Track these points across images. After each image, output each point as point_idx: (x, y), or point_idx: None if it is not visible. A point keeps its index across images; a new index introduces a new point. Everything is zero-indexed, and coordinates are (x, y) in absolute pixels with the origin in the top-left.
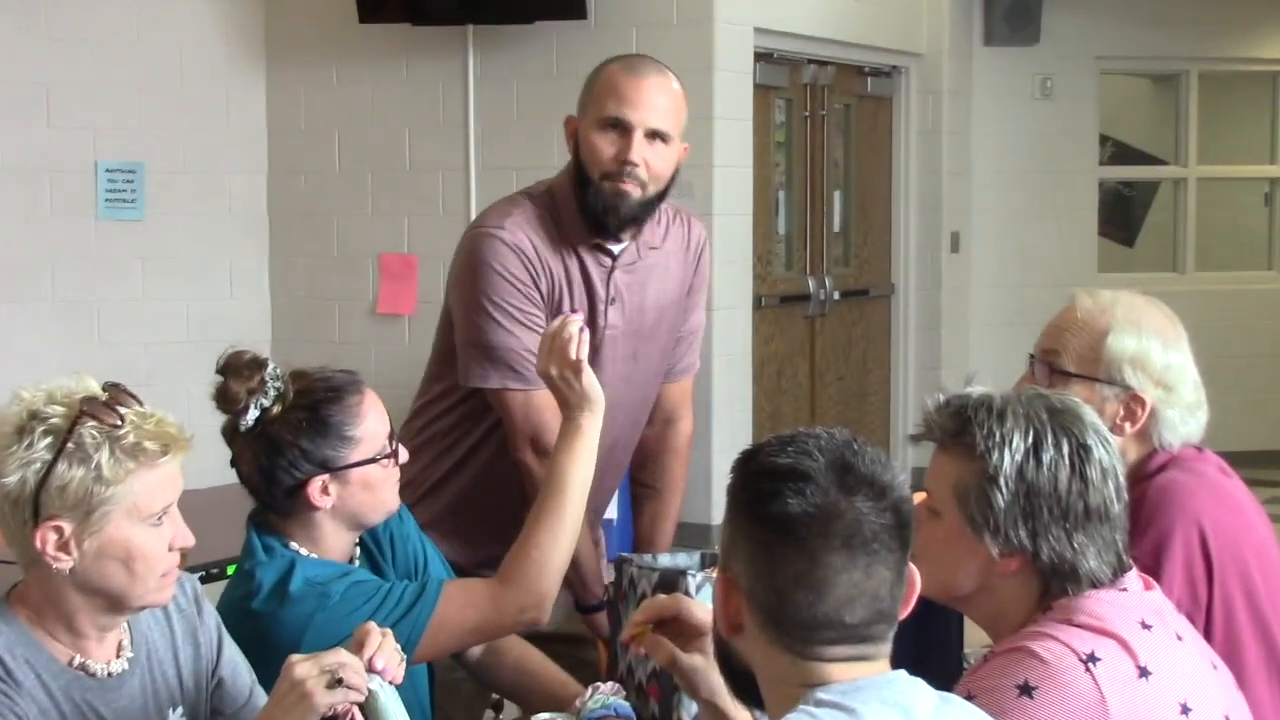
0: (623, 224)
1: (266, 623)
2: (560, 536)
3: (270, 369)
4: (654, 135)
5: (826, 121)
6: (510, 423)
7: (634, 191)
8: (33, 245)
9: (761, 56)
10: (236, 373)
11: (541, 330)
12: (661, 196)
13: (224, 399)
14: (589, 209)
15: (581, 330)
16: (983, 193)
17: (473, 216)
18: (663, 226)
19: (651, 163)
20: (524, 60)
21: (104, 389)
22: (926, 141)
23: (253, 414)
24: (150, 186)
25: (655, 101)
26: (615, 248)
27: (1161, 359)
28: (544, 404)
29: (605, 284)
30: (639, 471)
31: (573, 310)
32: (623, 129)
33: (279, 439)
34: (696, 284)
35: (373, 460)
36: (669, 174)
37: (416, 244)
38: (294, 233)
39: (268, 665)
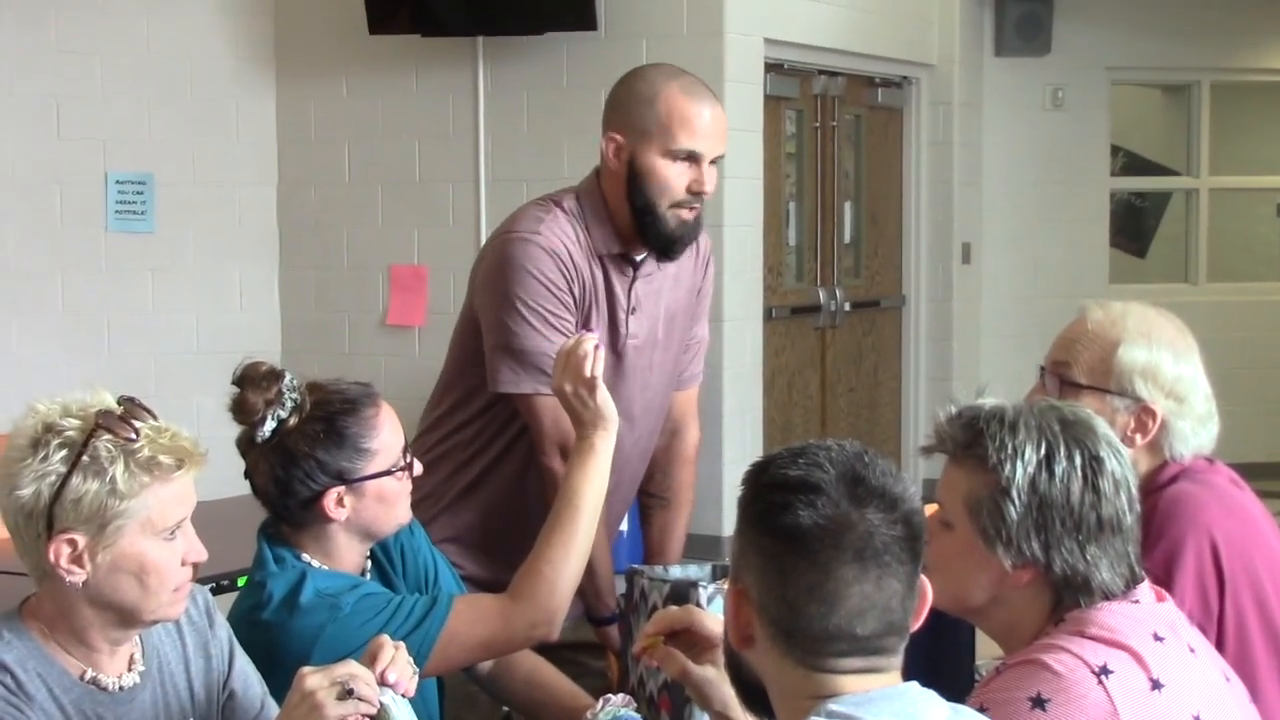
0: (684, 248)
1: (276, 633)
2: (572, 554)
3: (287, 380)
4: (713, 161)
5: (837, 132)
6: (539, 429)
7: (692, 217)
8: (42, 256)
9: (772, 67)
10: (254, 384)
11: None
12: None
13: (241, 410)
14: (655, 236)
15: (597, 348)
16: (994, 204)
17: (483, 228)
18: None
19: (710, 187)
20: (534, 71)
21: (119, 402)
22: (937, 152)
23: (269, 425)
24: (160, 198)
25: (719, 129)
26: (637, 257)
27: (1172, 370)
28: None
29: (627, 294)
30: (647, 483)
31: (596, 322)
32: (693, 159)
33: (295, 450)
34: (705, 292)
35: (388, 472)
36: None
37: (426, 255)
38: (304, 244)
39: (277, 676)
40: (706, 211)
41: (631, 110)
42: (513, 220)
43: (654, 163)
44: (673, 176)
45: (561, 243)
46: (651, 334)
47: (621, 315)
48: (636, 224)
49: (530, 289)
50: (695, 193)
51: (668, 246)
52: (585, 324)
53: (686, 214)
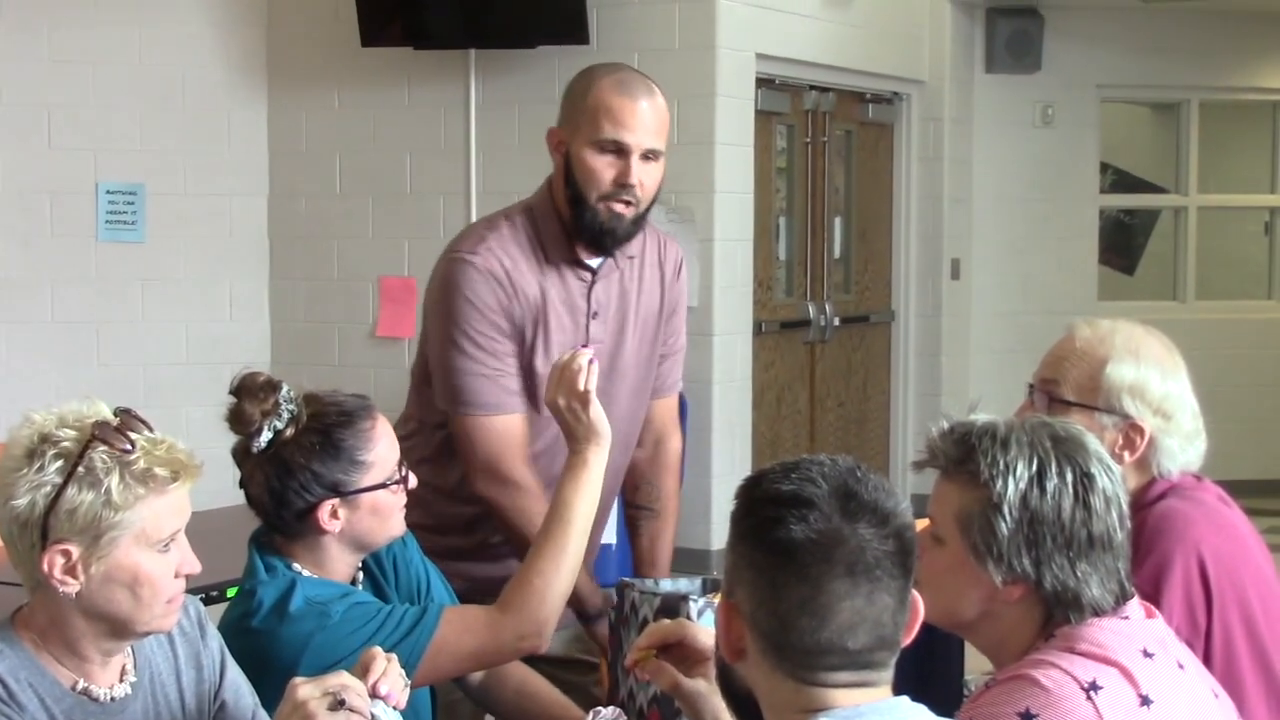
0: (618, 243)
1: (266, 641)
2: (562, 566)
3: (284, 391)
4: (647, 155)
5: (828, 148)
6: (463, 451)
7: (629, 212)
8: (32, 266)
9: (763, 82)
10: (251, 394)
11: (509, 357)
12: (649, 209)
13: (237, 420)
14: (585, 229)
15: (591, 362)
16: (983, 220)
17: None
18: (640, 236)
19: (645, 182)
20: (525, 84)
21: (115, 414)
22: (927, 168)
23: (266, 436)
24: (150, 208)
25: (649, 123)
26: (594, 262)
27: (1160, 388)
28: (503, 430)
29: (586, 298)
30: (633, 494)
31: (554, 334)
32: (620, 151)
33: (291, 462)
34: (679, 304)
35: (383, 485)
36: (658, 188)
37: (417, 267)
38: (294, 256)
39: (266, 684)
40: (697, 226)
41: (569, 105)
42: (458, 239)
43: (582, 154)
44: (600, 168)
45: (500, 263)
46: (617, 339)
47: (582, 320)
48: (571, 217)
49: (463, 312)
50: (621, 184)
51: (597, 239)
52: (532, 340)
53: (618, 207)
